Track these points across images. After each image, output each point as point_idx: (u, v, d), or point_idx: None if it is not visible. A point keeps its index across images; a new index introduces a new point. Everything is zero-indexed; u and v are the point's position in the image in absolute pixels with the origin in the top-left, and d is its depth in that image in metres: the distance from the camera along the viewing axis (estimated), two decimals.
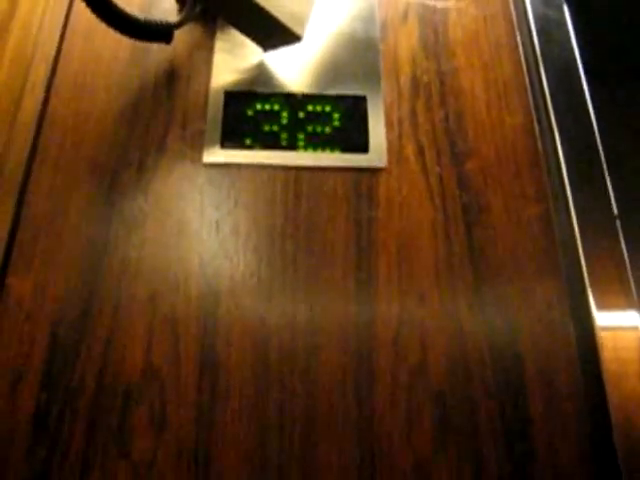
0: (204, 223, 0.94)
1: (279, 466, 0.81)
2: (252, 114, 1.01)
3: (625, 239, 0.94)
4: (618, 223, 0.95)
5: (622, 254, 0.93)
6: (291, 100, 1.03)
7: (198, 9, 1.03)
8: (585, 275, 0.91)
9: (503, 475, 0.81)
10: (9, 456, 0.80)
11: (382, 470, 0.81)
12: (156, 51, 1.07)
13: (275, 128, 1.00)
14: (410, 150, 1.01)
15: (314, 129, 1.01)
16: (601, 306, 0.89)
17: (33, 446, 0.80)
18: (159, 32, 0.97)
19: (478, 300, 0.91)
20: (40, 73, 1.03)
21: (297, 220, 0.95)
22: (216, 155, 0.98)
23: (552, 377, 0.87)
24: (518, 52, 1.10)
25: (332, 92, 1.04)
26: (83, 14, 1.05)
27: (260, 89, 1.04)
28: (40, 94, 1.01)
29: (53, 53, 1.05)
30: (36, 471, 0.79)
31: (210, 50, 1.08)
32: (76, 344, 0.86)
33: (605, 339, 0.87)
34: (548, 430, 0.84)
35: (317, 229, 0.94)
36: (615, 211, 0.96)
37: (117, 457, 0.80)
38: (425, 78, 1.07)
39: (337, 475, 0.81)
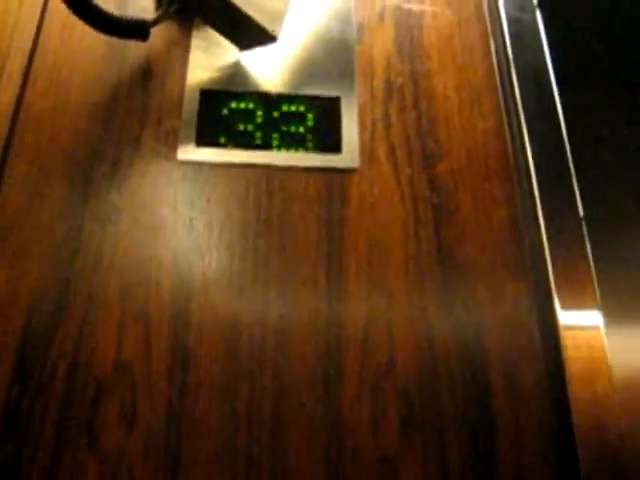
0: (178, 220, 0.95)
1: (248, 459, 0.82)
2: (227, 113, 1.02)
3: (590, 241, 0.96)
4: (584, 225, 0.97)
5: (587, 255, 0.95)
6: (266, 99, 1.04)
7: (174, 7, 1.03)
8: (551, 275, 0.93)
9: (466, 471, 0.83)
10: None
11: (349, 464, 0.83)
12: (132, 48, 1.07)
13: (249, 127, 1.02)
14: (382, 151, 1.03)
15: (288, 129, 1.02)
16: (565, 306, 0.91)
17: (3, 438, 0.81)
18: (135, 29, 0.98)
19: (446, 300, 0.93)
20: (16, 67, 1.03)
21: (269, 218, 0.96)
22: (190, 153, 0.99)
23: (517, 375, 0.89)
24: (491, 56, 1.12)
25: (307, 92, 1.05)
26: (59, 9, 1.04)
27: (235, 88, 1.05)
28: (16, 87, 1.01)
29: (29, 47, 1.05)
30: (7, 462, 0.80)
31: (186, 48, 1.09)
32: (48, 337, 0.86)
33: (569, 338, 0.89)
34: (512, 427, 0.86)
35: (289, 228, 0.96)
36: (581, 213, 0.98)
37: (87, 450, 0.81)
38: (399, 80, 1.09)
39: (305, 468, 0.82)
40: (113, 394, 0.84)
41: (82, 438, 0.82)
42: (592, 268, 0.94)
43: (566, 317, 0.91)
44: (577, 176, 1.00)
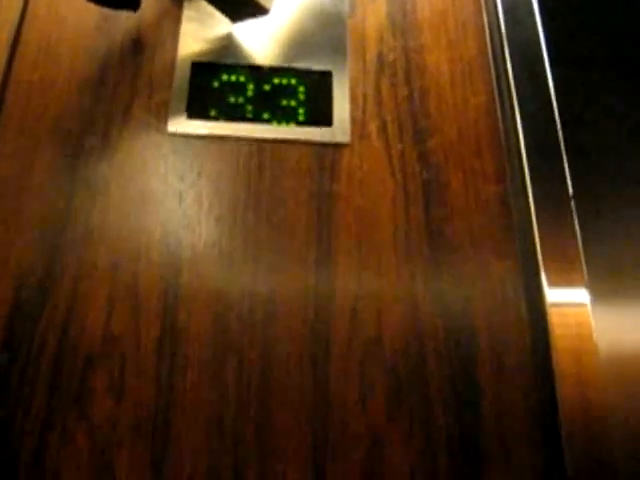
0: (167, 192, 0.95)
1: (235, 433, 0.83)
2: (218, 85, 1.02)
3: (579, 219, 0.96)
4: (573, 203, 0.98)
5: (575, 234, 0.95)
6: (257, 72, 1.03)
7: None
8: (539, 253, 0.94)
9: (452, 442, 0.84)
10: None
11: (336, 438, 0.84)
12: (123, 19, 1.06)
13: (240, 100, 1.01)
14: (373, 126, 1.02)
15: (279, 102, 1.01)
16: (552, 283, 0.92)
17: None
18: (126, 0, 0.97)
19: (434, 275, 0.93)
20: (3, 37, 1.02)
21: (259, 192, 0.96)
22: (181, 125, 0.99)
23: (503, 351, 0.90)
24: (484, 32, 1.12)
25: (298, 65, 1.05)
26: None
27: (227, 60, 1.04)
28: (4, 59, 1.00)
29: (17, 17, 1.04)
30: None
31: (177, 19, 1.08)
32: (38, 309, 0.86)
33: (555, 315, 0.90)
34: (497, 401, 0.87)
35: (279, 201, 0.96)
36: (571, 192, 0.98)
37: (77, 421, 0.81)
38: (391, 55, 1.08)
39: (292, 442, 0.83)
40: (102, 366, 0.84)
41: (72, 409, 0.82)
42: (580, 246, 0.94)
43: (553, 294, 0.91)
44: (567, 154, 1.00)
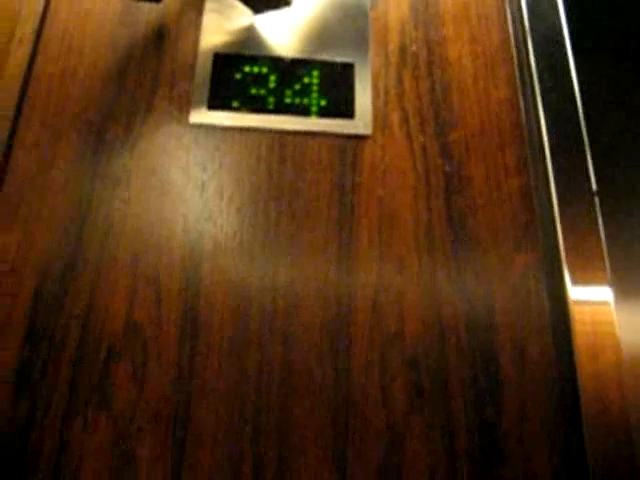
0: (189, 183, 0.95)
1: (256, 424, 0.83)
2: (240, 77, 1.02)
3: (602, 216, 0.95)
4: (596, 200, 0.96)
5: (599, 230, 0.94)
6: (279, 64, 1.03)
7: None
8: (561, 249, 0.93)
9: (473, 437, 0.84)
10: None
11: (356, 430, 0.83)
12: (145, 11, 1.07)
13: (262, 92, 1.01)
14: (395, 118, 1.02)
15: (301, 94, 1.01)
16: (575, 281, 0.91)
17: (16, 400, 0.82)
18: None
19: (455, 268, 0.93)
20: (27, 29, 1.02)
21: (281, 183, 0.96)
22: (203, 116, 0.99)
23: (524, 346, 0.89)
24: (507, 25, 1.11)
25: (320, 57, 1.05)
26: None
27: (249, 52, 1.04)
28: (27, 50, 1.00)
29: (41, 9, 1.05)
30: (20, 421, 0.81)
31: (200, 11, 1.08)
32: (60, 299, 0.87)
33: (578, 313, 0.89)
34: (518, 396, 0.86)
35: (300, 193, 0.95)
36: (594, 187, 0.97)
37: (98, 410, 0.82)
38: (413, 47, 1.08)
39: (312, 433, 0.83)
40: (124, 356, 0.85)
41: (93, 398, 0.82)
42: (603, 243, 0.93)
43: (576, 292, 0.91)
44: (591, 149, 0.99)
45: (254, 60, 1.03)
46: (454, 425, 0.84)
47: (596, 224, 0.95)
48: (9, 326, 0.85)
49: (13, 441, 0.80)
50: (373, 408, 0.85)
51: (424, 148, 1.00)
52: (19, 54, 1.00)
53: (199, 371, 0.85)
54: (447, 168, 0.99)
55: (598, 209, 0.96)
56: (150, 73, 1.02)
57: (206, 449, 0.81)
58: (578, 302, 0.90)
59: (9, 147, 0.95)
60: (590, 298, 0.91)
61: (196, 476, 0.80)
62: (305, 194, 0.95)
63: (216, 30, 1.06)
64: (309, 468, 0.81)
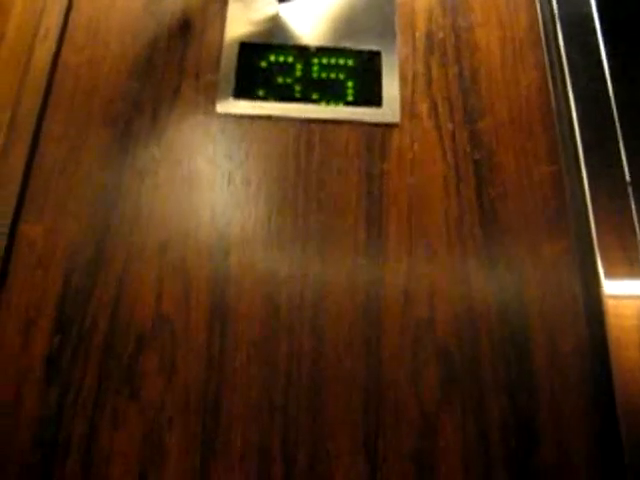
0: (216, 173, 0.95)
1: (286, 414, 0.82)
2: (266, 66, 1.01)
3: (637, 207, 0.93)
4: (630, 190, 0.94)
5: (632, 222, 0.92)
6: (305, 53, 1.02)
7: None
8: (594, 240, 0.91)
9: (506, 426, 0.83)
10: (23, 396, 0.81)
11: (387, 420, 0.82)
12: (170, 1, 1.06)
13: (289, 80, 1.00)
14: (423, 106, 1.01)
15: (328, 82, 1.00)
16: (609, 274, 0.89)
17: (46, 386, 0.82)
18: None
19: (486, 257, 0.92)
20: (53, 20, 1.02)
21: (308, 172, 0.95)
22: (229, 106, 0.98)
23: (557, 335, 0.87)
24: (535, 9, 1.09)
25: (346, 46, 1.04)
26: None
27: (274, 41, 1.03)
28: (52, 41, 1.01)
29: (65, 2, 1.05)
30: (50, 410, 0.81)
31: (225, 1, 1.07)
32: (88, 289, 0.87)
33: (612, 307, 0.87)
34: (551, 385, 0.85)
35: (328, 182, 0.95)
36: (628, 177, 0.95)
37: (128, 400, 0.82)
38: (440, 34, 1.06)
39: (343, 422, 0.82)
40: (153, 346, 0.84)
41: (123, 388, 0.82)
42: (638, 235, 0.91)
43: (610, 286, 0.89)
44: (623, 136, 0.97)
45: (280, 49, 1.02)
46: (487, 414, 0.83)
47: (630, 216, 0.93)
48: (39, 316, 0.85)
49: (44, 427, 0.80)
50: (405, 397, 0.84)
51: (453, 136, 0.99)
52: (45, 46, 1.00)
53: (228, 361, 0.84)
54: (477, 156, 0.97)
55: (632, 200, 0.94)
56: (176, 63, 1.02)
57: (236, 439, 0.80)
58: (612, 296, 0.88)
59: (36, 139, 0.95)
60: (624, 292, 0.89)
61: (226, 465, 0.80)
62: (333, 183, 0.95)
63: (241, 20, 1.05)
64: (340, 457, 0.80)
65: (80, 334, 0.85)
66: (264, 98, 0.99)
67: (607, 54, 1.03)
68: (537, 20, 1.08)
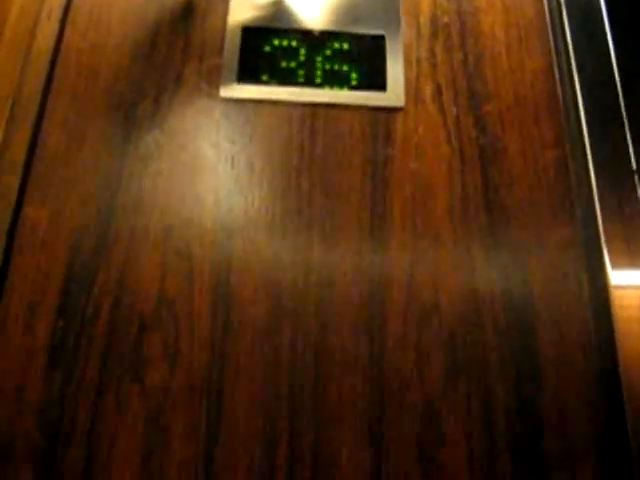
0: (219, 158, 0.94)
1: (290, 398, 0.82)
2: (269, 50, 1.01)
3: None
4: (636, 178, 0.94)
5: (639, 211, 0.92)
6: (309, 37, 1.02)
7: None
8: (600, 228, 0.91)
9: (511, 413, 0.82)
10: (27, 379, 0.81)
11: (392, 406, 0.82)
12: None
13: (292, 64, 1.00)
14: (428, 90, 1.00)
15: (332, 66, 1.00)
16: (615, 264, 0.88)
17: (50, 371, 0.81)
18: None
19: (492, 243, 0.91)
20: (55, 3, 1.02)
21: (312, 157, 0.95)
22: (233, 90, 0.98)
23: (562, 323, 0.87)
24: None
25: (351, 30, 1.03)
26: None
27: (278, 25, 1.03)
28: (55, 24, 1.00)
29: None
30: (53, 394, 0.80)
31: None
32: (92, 273, 0.86)
33: (619, 297, 0.87)
34: (556, 373, 0.85)
35: (332, 166, 0.94)
36: (634, 165, 0.94)
37: (131, 383, 0.81)
38: (445, 18, 1.05)
39: (347, 409, 0.82)
40: (156, 331, 0.84)
41: (126, 373, 0.82)
42: None
43: (617, 276, 0.88)
44: (630, 123, 0.97)
45: (284, 33, 1.02)
46: (492, 401, 0.83)
47: (636, 205, 0.92)
48: (42, 299, 0.85)
49: (48, 410, 0.80)
50: (409, 383, 0.83)
51: (458, 120, 0.98)
52: (47, 29, 0.99)
53: (232, 346, 0.84)
54: (481, 140, 0.97)
55: (639, 188, 0.93)
56: (179, 47, 1.01)
57: (240, 423, 0.80)
58: (618, 286, 0.88)
59: (39, 122, 0.94)
60: (631, 282, 0.89)
61: (230, 451, 0.79)
62: (337, 167, 0.94)
63: (244, 4, 1.04)
64: (345, 443, 0.80)
65: (83, 318, 0.84)
66: (268, 82, 0.98)
67: (613, 40, 1.03)
68: (543, 5, 1.07)
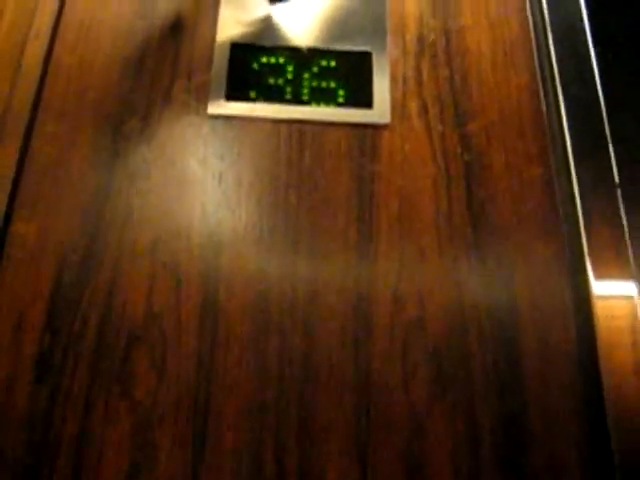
0: (207, 174, 0.95)
1: (277, 413, 0.82)
2: (257, 67, 1.01)
3: (625, 209, 0.94)
4: (619, 192, 0.95)
5: (622, 224, 0.93)
6: (297, 54, 1.03)
7: None
8: (584, 241, 0.92)
9: (495, 427, 0.83)
10: (14, 394, 0.81)
11: (378, 419, 0.83)
12: (162, 1, 1.06)
13: (280, 82, 1.00)
14: (414, 107, 1.01)
15: (319, 84, 1.01)
16: (598, 275, 0.89)
17: (37, 385, 0.82)
18: None
19: (477, 257, 0.92)
20: (45, 19, 1.02)
21: (300, 173, 0.95)
22: (221, 107, 0.99)
23: (547, 336, 0.88)
24: (525, 12, 1.10)
25: (338, 47, 1.04)
26: None
27: (266, 42, 1.04)
28: (45, 40, 1.01)
29: (57, 1, 1.05)
30: (40, 408, 0.81)
31: (216, 1, 1.07)
32: (79, 288, 0.87)
33: (601, 308, 0.88)
34: (540, 385, 0.85)
35: (319, 183, 0.95)
36: (617, 179, 0.96)
37: (119, 398, 0.82)
38: (431, 36, 1.07)
39: (334, 421, 0.82)
40: (144, 344, 0.85)
41: (114, 387, 0.82)
42: (627, 237, 0.92)
43: (599, 287, 0.89)
44: (612, 139, 0.98)
45: (271, 50, 1.03)
46: (477, 413, 0.84)
47: (619, 217, 0.93)
48: (30, 313, 0.85)
49: (34, 426, 0.80)
50: (395, 396, 0.84)
51: (443, 137, 0.99)
52: (37, 45, 1.00)
53: (219, 360, 0.84)
54: (467, 157, 0.98)
55: (621, 202, 0.94)
56: (167, 64, 1.02)
57: (227, 438, 0.81)
58: (601, 297, 0.89)
59: (28, 137, 0.95)
60: (613, 293, 0.90)
61: (218, 464, 0.80)
62: (324, 183, 0.95)
63: (233, 21, 1.05)
64: (331, 456, 0.81)
65: (71, 332, 0.85)
66: (255, 99, 0.99)
67: (597, 57, 1.04)
68: (528, 23, 1.08)
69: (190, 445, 0.80)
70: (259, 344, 0.85)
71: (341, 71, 1.02)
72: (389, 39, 1.06)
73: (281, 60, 1.02)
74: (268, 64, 1.02)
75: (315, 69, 1.02)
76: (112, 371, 0.83)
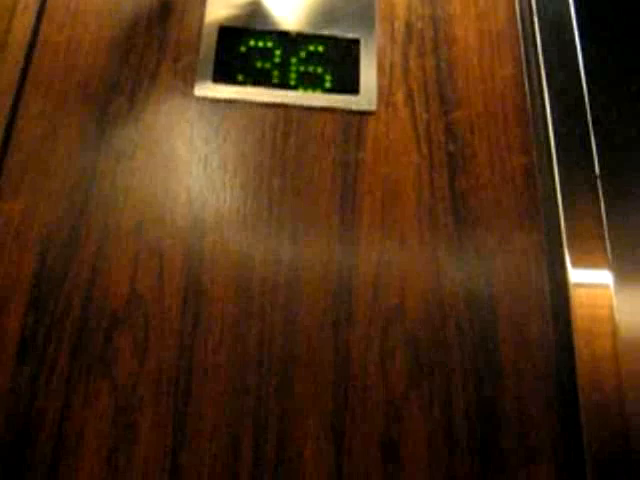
0: (193, 156, 0.95)
1: (257, 396, 0.84)
2: (245, 50, 1.01)
3: (604, 200, 0.95)
4: (599, 183, 0.96)
5: (600, 214, 0.94)
6: (285, 38, 1.03)
7: None
8: (563, 231, 0.93)
9: (471, 411, 0.85)
10: None
11: (355, 403, 0.84)
12: None
13: (267, 65, 1.01)
14: (400, 95, 1.02)
15: (306, 68, 1.01)
16: (576, 263, 0.91)
17: (19, 365, 0.82)
18: None
19: (457, 246, 0.93)
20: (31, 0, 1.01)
21: (284, 158, 0.96)
22: (207, 89, 0.99)
23: (524, 324, 0.89)
24: (513, 3, 1.10)
25: (326, 32, 1.04)
26: None
27: (254, 26, 1.04)
28: (31, 18, 1.00)
29: None
30: (22, 389, 0.81)
31: None
32: (63, 268, 0.87)
33: (577, 296, 0.89)
34: (516, 374, 0.87)
35: (304, 168, 0.96)
36: (597, 171, 0.97)
37: (101, 380, 0.82)
38: (419, 24, 1.07)
39: (312, 405, 0.84)
40: (126, 326, 0.85)
41: (96, 369, 0.83)
42: (605, 226, 0.93)
43: (576, 275, 0.91)
44: (594, 132, 0.99)
45: (260, 34, 1.03)
46: (453, 400, 0.85)
47: (598, 207, 0.95)
48: (13, 292, 0.85)
49: (16, 405, 0.81)
50: (373, 381, 0.85)
51: (428, 126, 1.00)
52: (24, 22, 0.99)
53: (201, 343, 0.85)
54: (451, 146, 0.99)
55: (601, 192, 0.96)
56: (155, 45, 1.01)
57: (207, 420, 0.82)
58: (578, 285, 0.90)
59: (13, 116, 0.94)
60: (590, 281, 0.92)
61: (197, 446, 0.81)
62: (308, 169, 0.96)
63: (222, 3, 1.05)
64: (309, 439, 0.82)
65: (54, 313, 0.85)
66: (243, 83, 0.99)
67: (583, 50, 1.05)
68: (515, 15, 1.09)
69: (170, 426, 0.81)
70: (240, 327, 0.86)
71: (329, 57, 1.02)
72: (377, 26, 1.06)
73: (269, 44, 1.02)
74: (256, 48, 1.02)
75: (303, 54, 1.02)
76: (94, 351, 0.84)
